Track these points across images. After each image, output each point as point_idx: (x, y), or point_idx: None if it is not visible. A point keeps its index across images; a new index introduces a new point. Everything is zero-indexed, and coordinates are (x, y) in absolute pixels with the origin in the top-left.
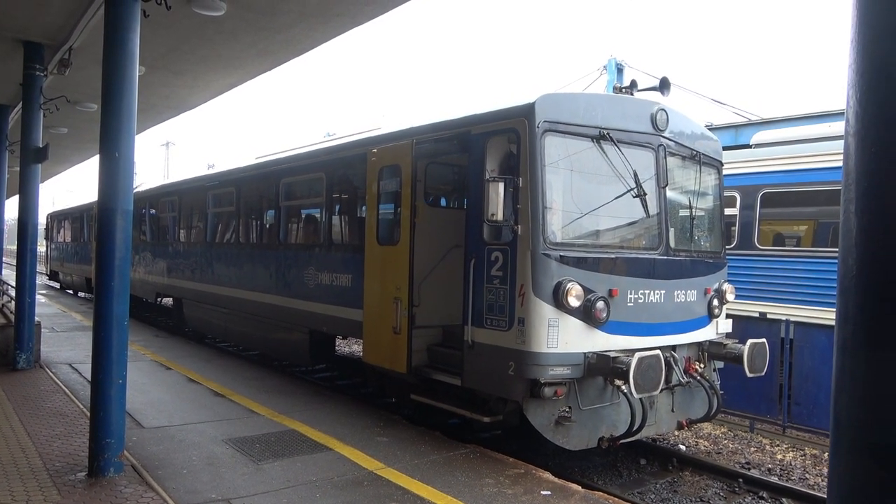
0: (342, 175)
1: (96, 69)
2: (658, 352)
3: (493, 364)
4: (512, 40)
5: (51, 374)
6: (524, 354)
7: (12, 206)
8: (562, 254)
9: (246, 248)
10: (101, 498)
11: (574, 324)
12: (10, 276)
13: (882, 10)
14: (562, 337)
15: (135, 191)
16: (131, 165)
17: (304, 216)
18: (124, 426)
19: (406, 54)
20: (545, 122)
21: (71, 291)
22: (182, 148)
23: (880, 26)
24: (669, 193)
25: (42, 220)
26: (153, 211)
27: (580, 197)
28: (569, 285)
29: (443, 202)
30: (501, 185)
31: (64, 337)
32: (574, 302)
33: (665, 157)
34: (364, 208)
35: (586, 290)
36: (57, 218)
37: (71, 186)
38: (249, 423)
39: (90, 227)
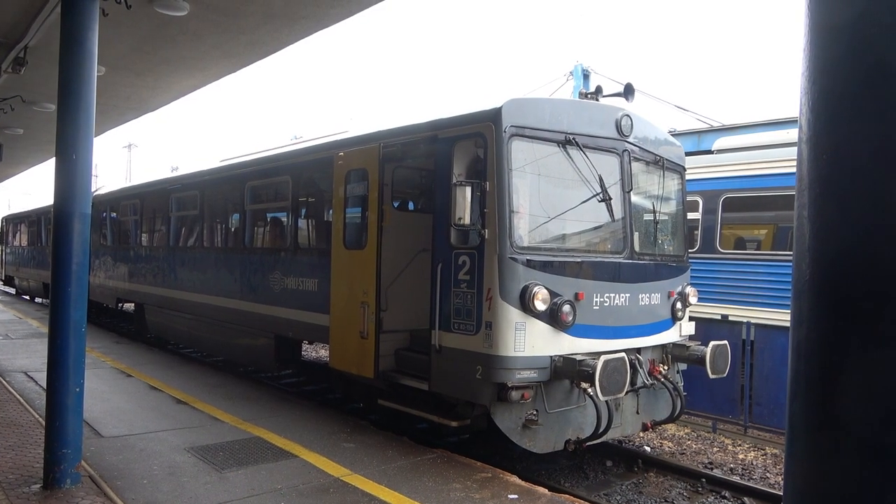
0: (308, 178)
1: (53, 68)
2: (623, 354)
3: (460, 368)
4: (479, 45)
5: (4, 382)
6: (491, 358)
7: None
8: (528, 258)
9: (210, 253)
10: None
11: (541, 327)
12: None
13: (832, 17)
14: (528, 340)
15: (95, 194)
16: (89, 167)
17: (269, 220)
18: (82, 436)
19: (374, 57)
20: (512, 126)
21: (27, 297)
22: (145, 150)
23: (830, 34)
24: (634, 198)
25: None
26: (114, 214)
27: (546, 201)
28: (535, 289)
29: (410, 206)
30: (468, 190)
31: (19, 344)
32: (540, 305)
33: (630, 162)
34: (331, 212)
35: (552, 294)
36: (12, 221)
37: (28, 189)
38: (213, 431)
39: (48, 230)
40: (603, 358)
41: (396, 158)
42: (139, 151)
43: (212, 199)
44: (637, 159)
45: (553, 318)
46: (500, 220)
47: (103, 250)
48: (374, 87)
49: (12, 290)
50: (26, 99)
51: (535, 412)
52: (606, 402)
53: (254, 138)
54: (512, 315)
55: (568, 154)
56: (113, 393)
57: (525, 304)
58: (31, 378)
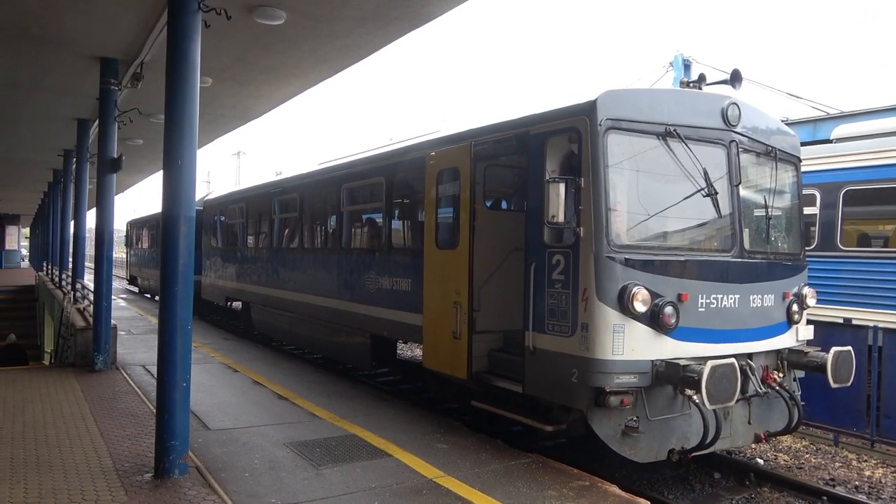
0: (401, 179)
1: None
2: (733, 360)
3: (555, 371)
4: (575, 39)
5: (125, 375)
6: (588, 361)
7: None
8: (627, 256)
9: (309, 253)
10: (166, 499)
11: (641, 330)
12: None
13: None
14: (628, 343)
15: (205, 199)
16: (193, 173)
17: (364, 221)
18: (188, 429)
19: (469, 55)
20: (608, 119)
21: (148, 295)
22: (252, 156)
23: None
24: (743, 192)
25: (122, 228)
26: (222, 218)
27: (646, 197)
28: (634, 290)
29: (503, 205)
30: (562, 186)
31: (139, 339)
32: (640, 307)
33: (738, 154)
34: (423, 212)
35: (653, 295)
36: (135, 225)
37: (151, 195)
38: (311, 427)
39: (156, 233)
40: (710, 363)
41: (488, 157)
42: (247, 158)
43: (310, 202)
44: (746, 150)
45: (654, 320)
46: (595, 218)
47: (213, 252)
48: (468, 85)
49: (135, 289)
50: (143, 111)
51: (635, 419)
52: (714, 410)
53: (352, 140)
54: (610, 317)
55: (669, 147)
56: (220, 387)
57: (624, 305)
58: (148, 371)
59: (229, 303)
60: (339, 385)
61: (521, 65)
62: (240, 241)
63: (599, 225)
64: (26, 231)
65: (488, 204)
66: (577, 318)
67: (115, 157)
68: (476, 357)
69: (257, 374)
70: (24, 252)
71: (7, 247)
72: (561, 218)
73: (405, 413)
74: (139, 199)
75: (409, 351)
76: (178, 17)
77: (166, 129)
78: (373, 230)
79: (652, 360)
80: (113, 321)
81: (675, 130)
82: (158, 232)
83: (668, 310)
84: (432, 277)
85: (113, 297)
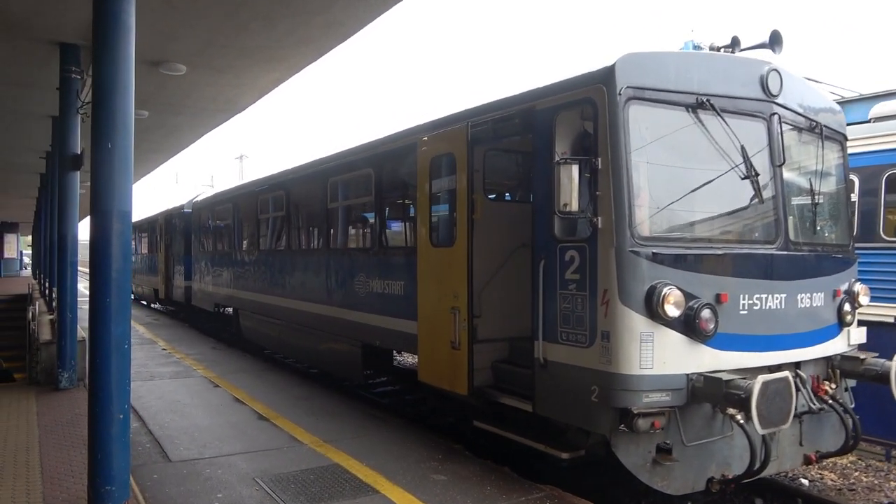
0: (391, 169)
1: (137, 69)
2: (787, 374)
3: (571, 388)
4: (580, 28)
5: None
6: (611, 377)
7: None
8: (654, 250)
9: (295, 255)
10: None
11: (673, 338)
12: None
13: None
14: (658, 354)
15: (194, 200)
16: (128, 158)
17: (352, 218)
18: (129, 469)
19: (467, 43)
20: (629, 88)
21: (144, 302)
22: (256, 160)
23: None
24: (786, 173)
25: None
26: (210, 220)
27: (675, 179)
28: (665, 290)
29: (507, 196)
30: (575, 169)
31: None
32: (673, 311)
33: (780, 129)
34: (416, 206)
35: (687, 296)
36: None
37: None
38: (289, 456)
39: (139, 237)
40: (761, 379)
41: (487, 139)
42: (250, 161)
43: (296, 199)
44: (789, 125)
45: (689, 326)
46: (616, 205)
47: (201, 256)
48: (468, 79)
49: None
50: None
51: (668, 444)
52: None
53: (351, 140)
54: (635, 323)
55: (700, 120)
56: (195, 406)
57: (652, 308)
58: None
59: (220, 309)
60: (328, 400)
61: (523, 54)
62: (226, 245)
63: (621, 213)
64: (29, 239)
65: (490, 195)
66: (596, 324)
67: (78, 153)
68: (478, 370)
69: (240, 389)
70: (27, 260)
71: (6, 255)
72: (575, 206)
73: (399, 434)
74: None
75: (411, 357)
76: None
77: (94, 101)
78: (361, 228)
79: (687, 374)
80: (82, 334)
81: (707, 101)
82: (151, 235)
83: (706, 313)
84: (427, 279)
85: None
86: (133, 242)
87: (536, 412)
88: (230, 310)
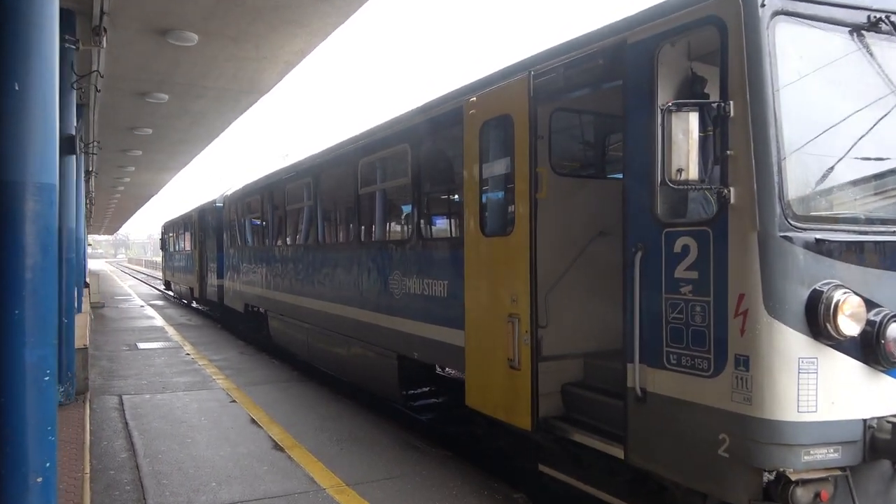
0: (432, 144)
1: (143, 40)
2: None
3: (684, 433)
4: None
5: (87, 412)
6: (752, 423)
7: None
8: (819, 236)
9: (323, 250)
10: None
11: (846, 366)
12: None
13: None
14: (824, 391)
15: (225, 194)
16: (48, 106)
17: (384, 205)
18: None
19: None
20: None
21: (185, 301)
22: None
23: None
24: None
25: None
26: (239, 214)
27: (844, 134)
28: (838, 295)
29: (580, 172)
30: (694, 118)
31: (140, 356)
32: (850, 326)
33: None
34: (462, 186)
35: (869, 305)
36: (168, 227)
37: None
38: None
39: (183, 235)
40: None
41: (556, 94)
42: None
43: (323, 187)
44: None
45: (870, 348)
46: (759, 171)
47: (233, 253)
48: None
49: (172, 294)
50: (109, 75)
51: None
52: None
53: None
54: (791, 344)
55: (872, 51)
56: (202, 429)
57: (818, 323)
58: (121, 406)
59: (253, 309)
60: (358, 421)
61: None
62: (255, 240)
63: (767, 183)
64: None
65: (559, 169)
66: (725, 345)
67: (72, 133)
68: (544, 396)
69: (258, 406)
70: None
71: None
72: (693, 173)
73: (440, 474)
74: (174, 199)
75: None
76: None
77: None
78: (396, 216)
79: (864, 420)
80: (85, 342)
81: (886, 17)
82: (187, 232)
83: None
84: (477, 277)
85: (143, 303)
86: (172, 239)
87: (630, 461)
88: (262, 309)
